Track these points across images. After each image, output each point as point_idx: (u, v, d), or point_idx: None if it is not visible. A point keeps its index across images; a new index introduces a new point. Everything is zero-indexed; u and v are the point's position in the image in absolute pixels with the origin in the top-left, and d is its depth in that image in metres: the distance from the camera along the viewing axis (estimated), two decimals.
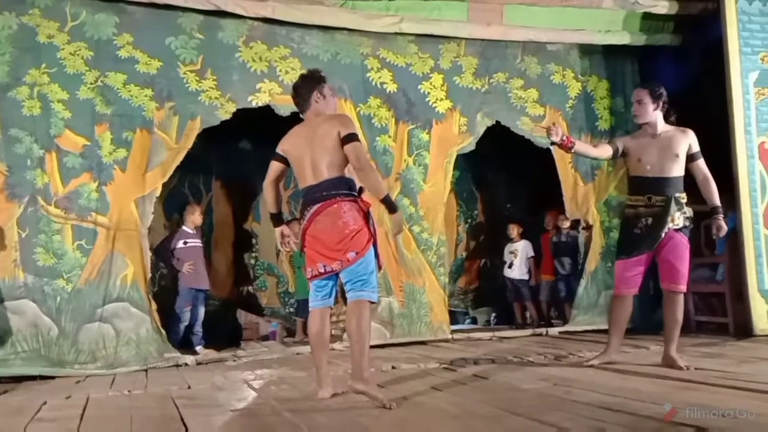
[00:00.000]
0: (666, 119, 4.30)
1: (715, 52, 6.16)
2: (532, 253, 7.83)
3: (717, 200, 4.21)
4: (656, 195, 4.17)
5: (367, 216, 3.48)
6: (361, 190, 3.54)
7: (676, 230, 4.14)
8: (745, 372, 3.84)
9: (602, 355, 4.43)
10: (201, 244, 6.60)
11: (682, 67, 6.81)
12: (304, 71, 3.95)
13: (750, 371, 3.87)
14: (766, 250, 5.92)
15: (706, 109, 6.26)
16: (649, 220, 4.17)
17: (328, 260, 3.45)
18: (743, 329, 5.79)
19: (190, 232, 6.50)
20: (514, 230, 7.92)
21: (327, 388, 3.57)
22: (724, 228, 4.19)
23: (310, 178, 3.51)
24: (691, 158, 4.22)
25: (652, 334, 4.55)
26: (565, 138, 4.08)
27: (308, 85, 3.67)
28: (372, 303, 3.47)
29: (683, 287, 4.17)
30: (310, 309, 3.62)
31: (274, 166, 3.67)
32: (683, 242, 4.17)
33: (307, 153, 3.51)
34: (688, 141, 4.21)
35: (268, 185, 3.71)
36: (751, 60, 6.08)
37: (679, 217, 4.14)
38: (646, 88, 4.32)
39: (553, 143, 4.10)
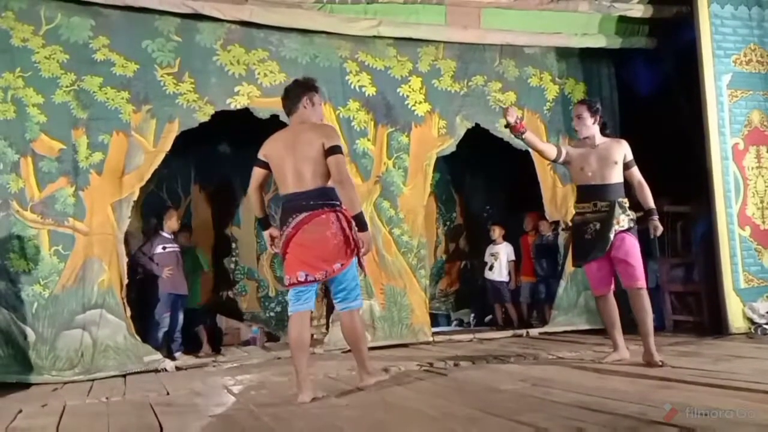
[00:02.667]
0: (602, 132, 4.56)
1: (689, 54, 6.24)
2: (513, 257, 7.84)
3: (652, 203, 4.48)
4: (601, 201, 4.40)
5: (351, 225, 3.56)
6: None
7: (623, 231, 4.34)
8: (722, 370, 3.90)
9: (612, 354, 4.54)
10: (179, 249, 6.55)
11: (657, 70, 6.88)
12: (299, 77, 3.95)
13: (726, 369, 3.93)
14: (741, 249, 6.02)
15: (680, 111, 6.35)
16: (597, 225, 4.39)
17: (313, 269, 3.50)
18: (719, 328, 5.88)
19: (168, 237, 6.45)
20: (496, 231, 7.90)
21: (307, 392, 3.56)
22: (660, 228, 4.45)
23: (292, 184, 3.55)
24: (626, 166, 4.50)
25: (626, 334, 4.58)
26: (519, 121, 4.29)
27: (300, 90, 3.72)
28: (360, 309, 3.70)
29: (642, 283, 4.34)
30: (290, 313, 3.62)
31: (257, 173, 3.70)
32: (632, 241, 4.37)
33: (288, 159, 3.54)
34: (623, 150, 4.50)
35: (252, 192, 3.77)
36: (723, 63, 6.18)
37: (623, 219, 4.36)
38: (584, 103, 4.62)
39: (507, 124, 4.30)
